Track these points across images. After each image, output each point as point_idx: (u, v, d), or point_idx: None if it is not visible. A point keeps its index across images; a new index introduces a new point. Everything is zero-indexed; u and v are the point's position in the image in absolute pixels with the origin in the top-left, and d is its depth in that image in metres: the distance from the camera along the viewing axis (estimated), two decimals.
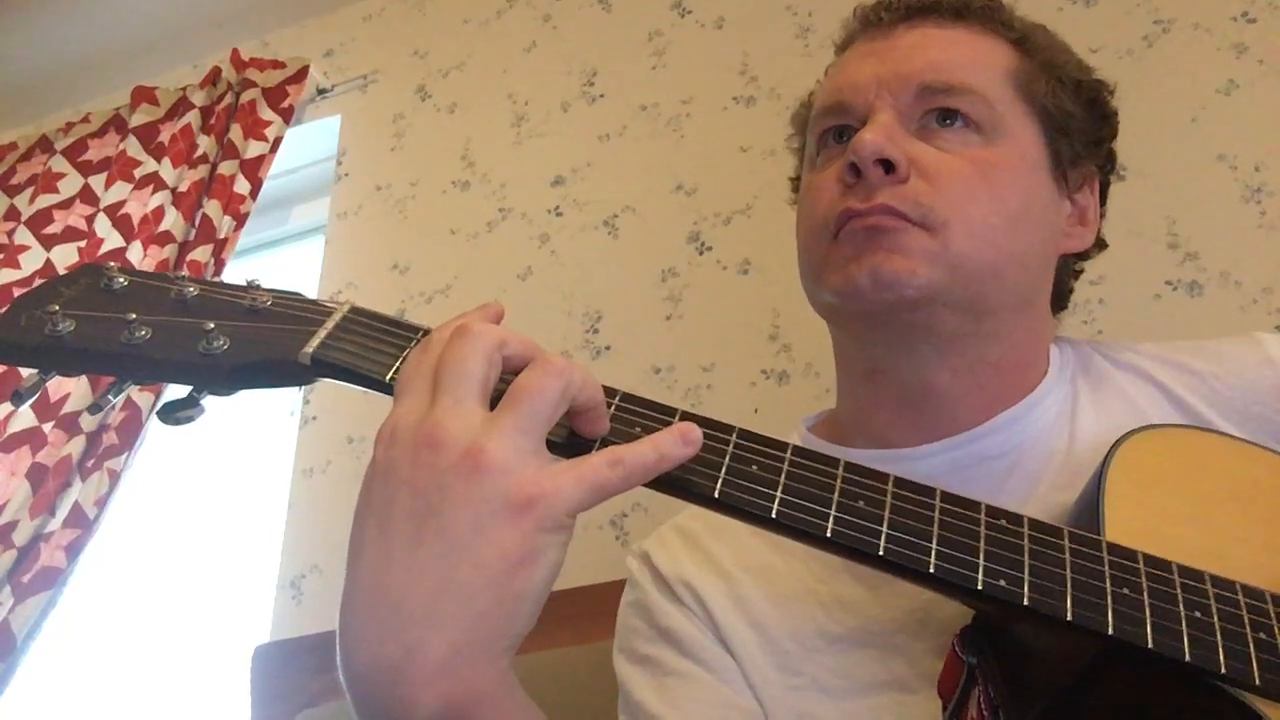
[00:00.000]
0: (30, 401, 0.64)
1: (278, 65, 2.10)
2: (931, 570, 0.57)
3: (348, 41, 2.24)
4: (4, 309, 0.65)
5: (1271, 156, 1.38)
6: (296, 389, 0.66)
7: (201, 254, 1.87)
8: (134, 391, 1.72)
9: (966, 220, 0.76)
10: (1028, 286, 0.82)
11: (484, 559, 0.51)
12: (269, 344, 0.63)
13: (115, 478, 1.71)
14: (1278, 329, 1.29)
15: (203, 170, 1.97)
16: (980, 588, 0.57)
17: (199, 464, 2.04)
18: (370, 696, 0.51)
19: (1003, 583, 0.57)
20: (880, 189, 0.77)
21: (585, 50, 1.95)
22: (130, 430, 1.73)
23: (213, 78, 2.11)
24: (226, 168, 1.96)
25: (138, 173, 2.02)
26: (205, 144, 1.99)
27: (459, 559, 0.51)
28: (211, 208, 1.92)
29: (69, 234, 2.01)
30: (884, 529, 0.58)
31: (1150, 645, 0.55)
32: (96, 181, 2.08)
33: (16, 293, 1.93)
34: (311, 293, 0.68)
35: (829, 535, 0.57)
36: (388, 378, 0.61)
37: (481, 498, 0.51)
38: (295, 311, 0.65)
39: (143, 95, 2.14)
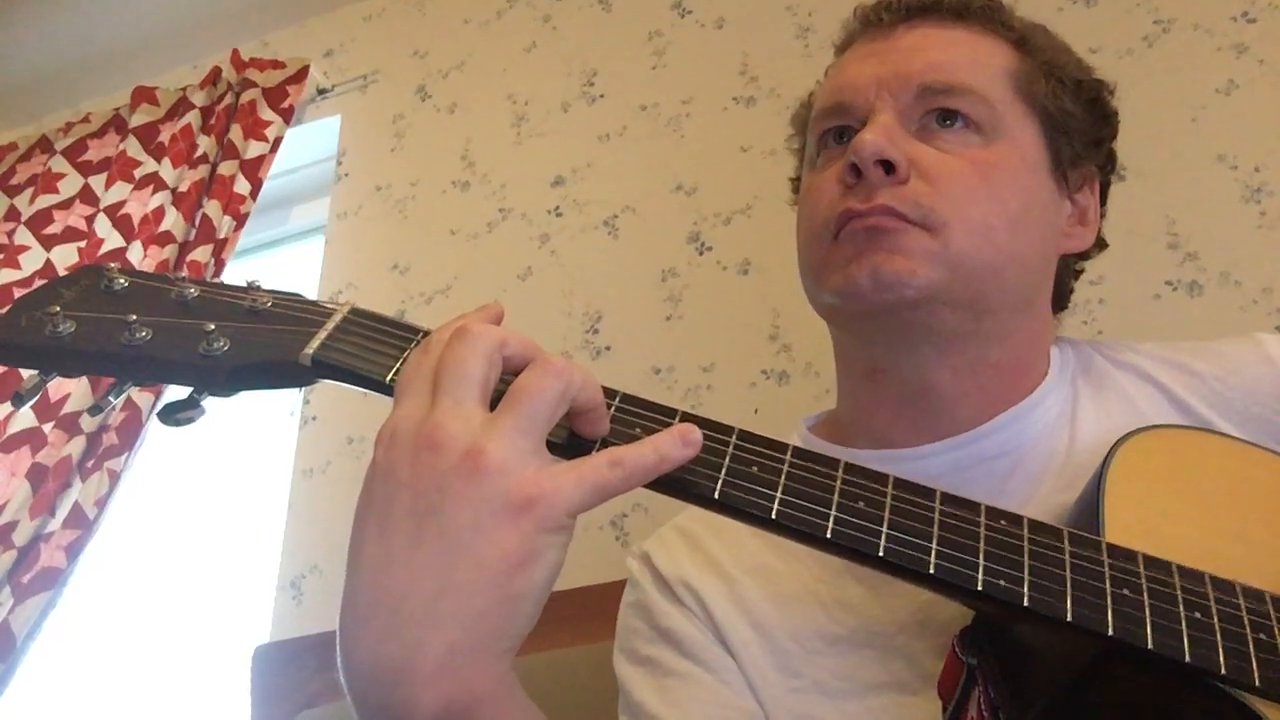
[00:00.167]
0: (31, 402, 0.64)
1: (278, 65, 2.10)
2: (931, 571, 0.57)
3: (348, 41, 2.24)
4: (4, 310, 0.65)
5: (1271, 156, 1.39)
6: (297, 390, 0.66)
7: (201, 254, 1.87)
8: (134, 392, 1.72)
9: (966, 221, 0.76)
10: (1028, 287, 0.82)
11: (484, 559, 0.51)
12: (269, 345, 0.63)
13: (115, 478, 1.71)
14: (1278, 329, 1.30)
15: (203, 170, 1.97)
16: (980, 588, 0.57)
17: (199, 464, 2.04)
18: (370, 696, 0.51)
19: (1002, 583, 0.57)
20: (880, 190, 0.77)
21: (585, 50, 1.95)
22: (130, 431, 1.73)
23: (213, 78, 2.11)
24: (226, 168, 1.96)
25: (138, 173, 2.02)
26: (205, 144, 1.99)
27: (459, 559, 0.51)
28: (211, 208, 1.92)
29: (69, 234, 2.01)
30: (884, 530, 0.58)
31: (1150, 646, 0.55)
32: (96, 182, 2.08)
33: (17, 293, 1.93)
34: (311, 293, 0.68)
35: (829, 536, 0.57)
36: (388, 379, 0.61)
37: (481, 498, 0.51)
38: (295, 313, 0.65)
39: (143, 95, 2.14)
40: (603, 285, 1.72)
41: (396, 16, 2.20)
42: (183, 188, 1.94)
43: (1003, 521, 0.60)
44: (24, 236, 2.03)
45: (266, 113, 2.03)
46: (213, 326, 0.62)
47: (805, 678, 0.75)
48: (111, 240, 1.91)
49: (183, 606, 1.93)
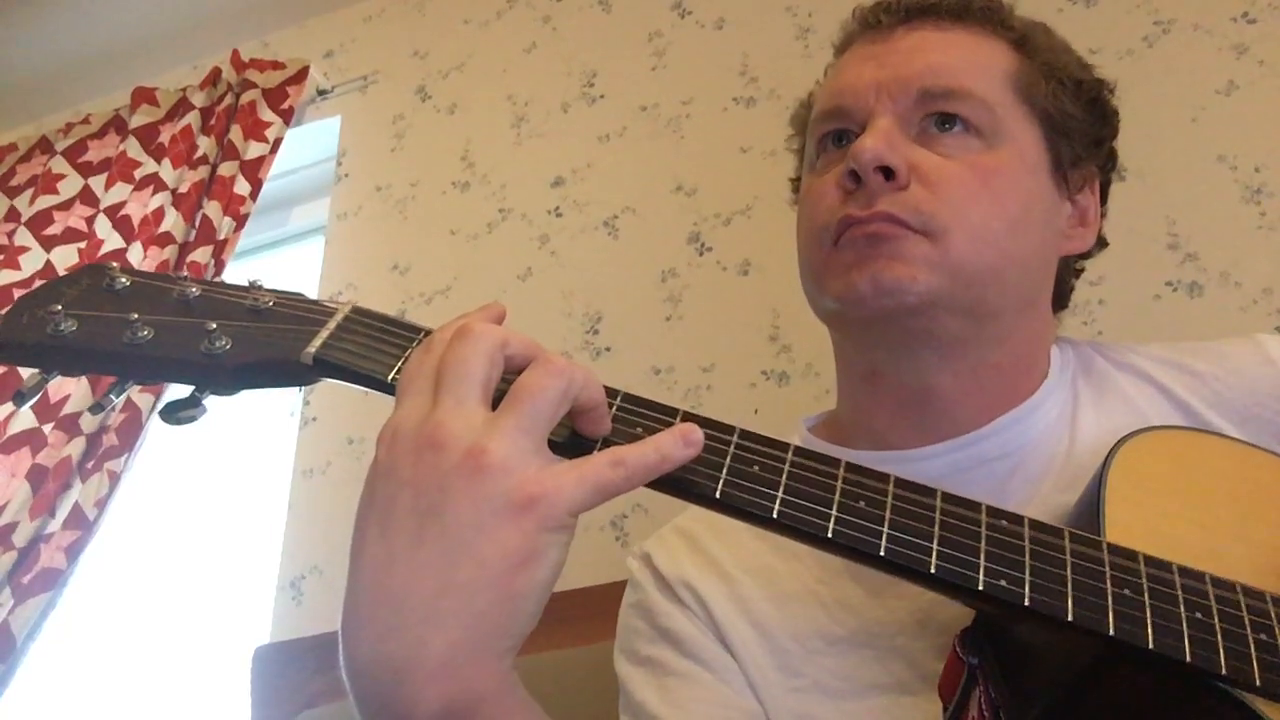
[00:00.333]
0: (32, 402, 0.64)
1: (278, 66, 2.10)
2: (932, 571, 0.57)
3: (348, 42, 2.24)
4: (6, 309, 0.65)
5: (1271, 157, 1.39)
6: (297, 389, 0.67)
7: (201, 255, 1.87)
8: (134, 393, 1.72)
9: (967, 226, 0.76)
10: (1029, 289, 0.82)
11: (486, 558, 0.51)
12: (271, 344, 0.63)
13: (115, 479, 1.71)
14: (1278, 330, 1.30)
15: (203, 171, 1.97)
16: (981, 588, 0.57)
17: (199, 465, 2.04)
18: (372, 694, 0.51)
19: (1003, 583, 0.57)
20: (880, 196, 0.76)
21: (585, 51, 1.95)
22: (130, 431, 1.73)
23: (213, 78, 2.11)
24: (226, 169, 1.96)
25: (138, 174, 2.02)
26: (205, 145, 1.99)
27: (461, 558, 0.51)
28: (211, 209, 1.92)
29: (69, 235, 2.01)
30: (885, 529, 0.58)
31: (1151, 646, 0.55)
32: (96, 182, 2.08)
33: (17, 294, 1.93)
34: (312, 294, 0.68)
35: (830, 536, 0.57)
36: (390, 378, 0.61)
37: (483, 497, 0.51)
38: (297, 312, 0.65)
39: (143, 96, 2.14)
40: (603, 286, 1.73)
41: (396, 17, 2.21)
42: (183, 188, 1.95)
43: (1004, 521, 0.60)
44: (24, 237, 2.03)
45: (266, 113, 2.03)
46: (215, 325, 0.62)
47: (805, 677, 0.75)
48: (111, 241, 1.92)
49: (183, 607, 1.93)
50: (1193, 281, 1.37)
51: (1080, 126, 0.85)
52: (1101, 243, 0.90)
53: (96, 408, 0.70)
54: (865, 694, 0.73)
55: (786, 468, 0.59)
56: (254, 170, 1.97)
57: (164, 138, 2.06)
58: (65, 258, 1.98)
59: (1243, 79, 1.44)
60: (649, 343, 1.64)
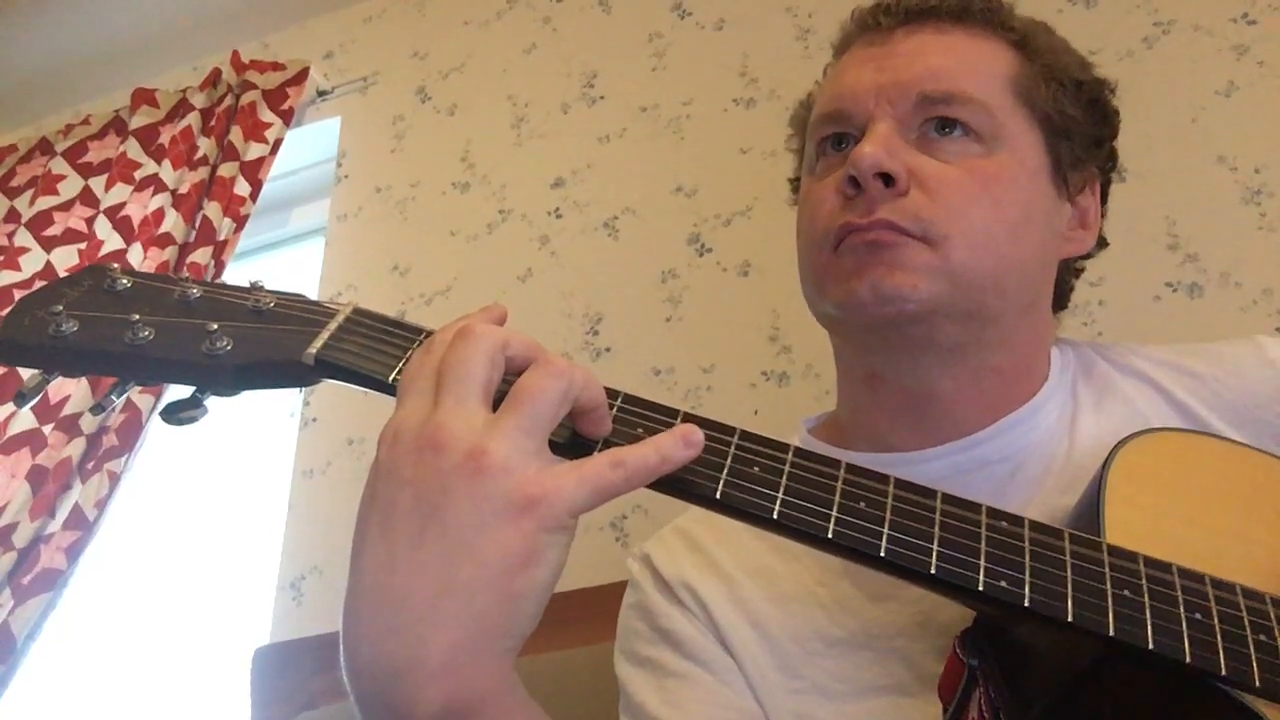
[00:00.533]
0: (33, 402, 0.64)
1: (278, 67, 2.10)
2: (933, 571, 0.57)
3: (348, 43, 2.24)
4: (7, 310, 0.65)
5: (1271, 157, 1.39)
6: (298, 390, 0.67)
7: (201, 256, 1.87)
8: (134, 393, 1.72)
9: (967, 233, 0.76)
10: (1030, 293, 0.82)
11: (486, 558, 0.51)
12: (272, 344, 0.63)
13: (115, 479, 1.71)
14: (1278, 330, 1.30)
15: (203, 172, 1.97)
16: (981, 589, 0.57)
17: (199, 466, 2.04)
18: (373, 694, 0.52)
19: (1004, 584, 0.57)
20: (880, 203, 0.76)
21: (585, 52, 1.95)
22: (130, 432, 1.73)
23: (213, 79, 2.11)
24: (226, 170, 1.96)
25: (138, 175, 2.02)
26: (205, 146, 1.99)
27: (461, 558, 0.51)
28: (211, 210, 1.92)
29: (69, 236, 2.01)
30: (885, 530, 0.58)
31: (1151, 646, 0.56)
32: (96, 183, 2.08)
33: (17, 295, 1.93)
34: (312, 294, 0.68)
35: (830, 536, 0.57)
36: (390, 378, 0.61)
37: (484, 498, 0.52)
38: (298, 312, 0.65)
39: (143, 97, 2.14)
40: (603, 287, 1.73)
41: (396, 18, 2.21)
42: (183, 189, 1.95)
43: (1004, 522, 0.60)
44: (24, 238, 2.03)
45: (266, 114, 2.03)
46: (216, 326, 0.63)
47: (805, 679, 0.75)
48: (112, 242, 1.92)
49: (183, 608, 1.93)
50: (1193, 282, 1.37)
51: (1081, 128, 0.84)
52: (1102, 243, 0.90)
53: (97, 408, 0.70)
54: (865, 695, 0.73)
55: (787, 468, 0.59)
56: (254, 171, 1.97)
57: (164, 139, 2.06)
58: (65, 259, 1.98)
59: (1243, 80, 1.44)
60: (649, 343, 1.64)
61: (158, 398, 1.75)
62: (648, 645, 0.81)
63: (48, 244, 2.02)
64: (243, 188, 1.95)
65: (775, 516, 0.58)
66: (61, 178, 2.11)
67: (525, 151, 1.92)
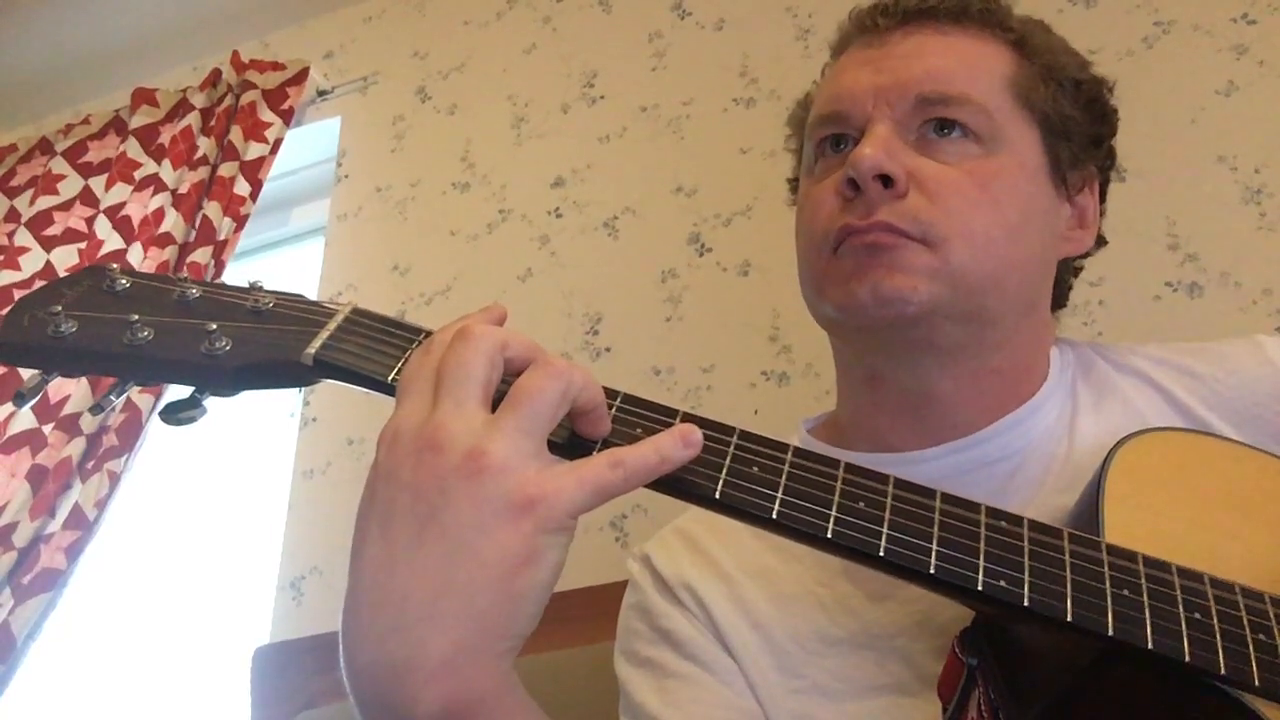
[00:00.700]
0: (32, 402, 0.64)
1: (278, 67, 2.10)
2: (932, 571, 0.57)
3: (348, 43, 2.24)
4: (6, 310, 0.65)
5: (1272, 157, 1.39)
6: (297, 390, 0.67)
7: (201, 255, 1.87)
8: (134, 393, 1.72)
9: (967, 234, 0.76)
10: (1029, 294, 0.82)
11: (486, 559, 0.51)
12: (272, 345, 0.63)
13: (115, 479, 1.71)
14: (1278, 330, 1.30)
15: (203, 172, 1.97)
16: (980, 588, 0.57)
17: (199, 466, 2.04)
18: (373, 695, 0.52)
19: (1003, 583, 0.57)
20: (879, 205, 0.76)
21: (585, 52, 1.95)
22: (130, 432, 1.73)
23: (213, 79, 2.11)
24: (226, 169, 1.96)
25: (138, 174, 2.02)
26: (205, 146, 1.99)
27: (461, 559, 0.51)
28: (211, 209, 1.92)
29: (69, 236, 2.01)
30: (884, 530, 0.58)
31: (1150, 646, 0.56)
32: (96, 183, 2.08)
33: (17, 295, 1.93)
34: (311, 295, 0.68)
35: (829, 536, 0.57)
36: (390, 378, 0.61)
37: (483, 499, 0.52)
38: (297, 313, 0.65)
39: (143, 97, 2.14)
40: (603, 286, 1.73)
41: (396, 18, 2.21)
42: (183, 189, 1.95)
43: (1003, 522, 0.60)
44: (24, 238, 2.03)
45: (266, 114, 2.03)
46: (215, 326, 0.63)
47: (805, 679, 0.75)
48: (111, 242, 1.92)
49: (183, 608, 1.93)
50: (1193, 282, 1.37)
51: (1079, 128, 0.84)
52: (1100, 241, 0.90)
53: (96, 408, 0.70)
54: (865, 695, 0.73)
55: (786, 468, 0.59)
56: (254, 171, 1.97)
57: (164, 138, 2.06)
58: (65, 258, 1.98)
59: (1243, 79, 1.44)
60: (649, 343, 1.64)
61: (157, 398, 1.75)
62: (648, 645, 0.81)
63: (48, 244, 2.02)
64: (243, 187, 1.96)
65: (774, 516, 0.58)
66: (61, 177, 2.11)
67: (525, 151, 1.92)
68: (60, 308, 0.63)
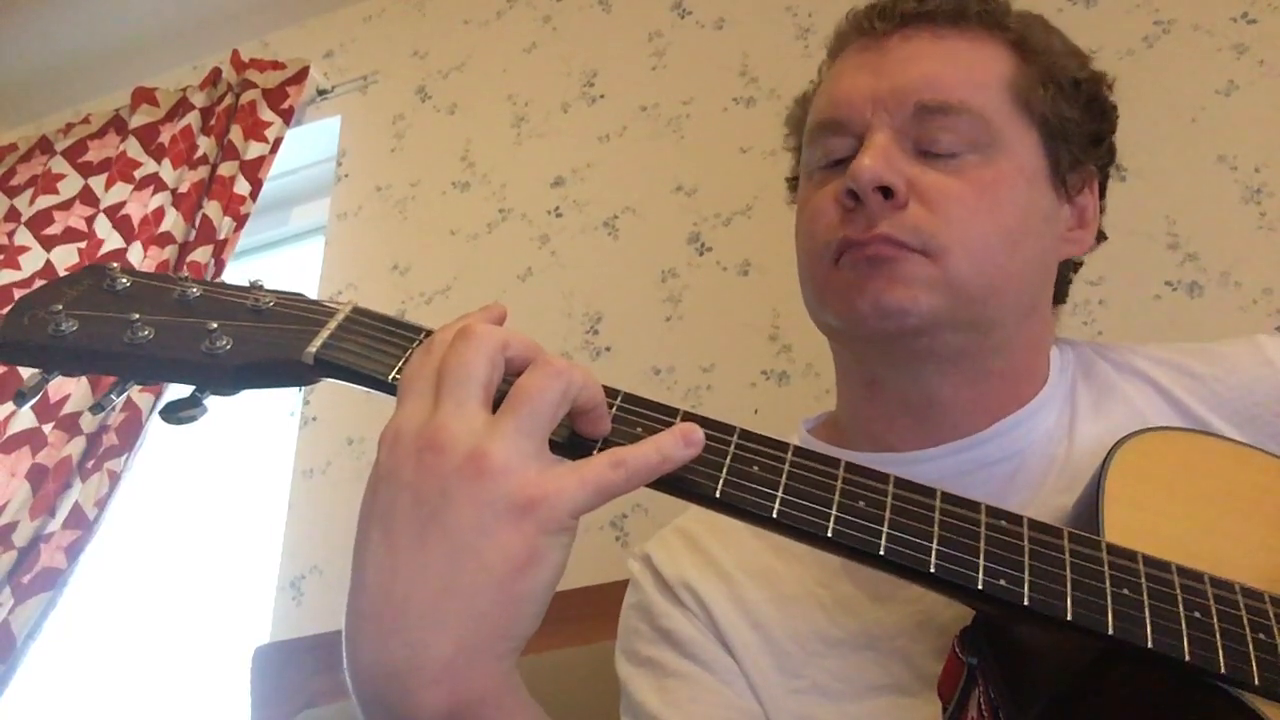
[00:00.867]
0: (32, 402, 0.64)
1: (278, 66, 2.10)
2: (932, 570, 0.57)
3: (348, 42, 2.24)
4: (6, 309, 0.65)
5: (1271, 157, 1.39)
6: (297, 389, 0.67)
7: (201, 255, 1.87)
8: (134, 392, 1.72)
9: (967, 244, 0.76)
10: (1029, 298, 0.82)
11: (487, 560, 0.51)
12: (272, 344, 0.63)
13: (115, 479, 1.71)
14: (1278, 330, 1.30)
15: (203, 171, 1.97)
16: (980, 588, 0.57)
17: (199, 465, 2.04)
18: (375, 696, 0.52)
19: (1003, 583, 0.57)
20: (880, 217, 0.76)
21: (585, 51, 1.95)
22: (130, 431, 1.73)
23: (213, 78, 2.11)
24: (226, 169, 1.96)
25: (138, 174, 2.02)
26: (205, 145, 1.99)
27: (463, 560, 0.51)
28: (211, 209, 1.92)
29: (69, 235, 2.01)
30: (884, 529, 0.58)
31: (1150, 645, 0.56)
32: (96, 182, 2.08)
33: (17, 294, 1.93)
34: (312, 294, 0.68)
35: (830, 535, 0.57)
36: (390, 377, 0.61)
37: (485, 500, 0.52)
38: (298, 312, 0.65)
39: (143, 96, 2.14)
40: (603, 286, 1.73)
41: (396, 17, 2.21)
42: (183, 188, 1.95)
43: (1003, 521, 0.60)
44: (24, 237, 2.03)
45: (266, 113, 2.03)
46: (215, 325, 0.62)
47: (805, 679, 0.75)
48: (111, 241, 1.92)
49: (183, 607, 1.93)
50: (1193, 281, 1.37)
51: (1079, 129, 0.84)
52: (1100, 236, 0.89)
53: (97, 408, 0.70)
54: (865, 695, 0.73)
55: (786, 467, 0.59)
56: (254, 170, 1.97)
57: (164, 138, 2.06)
58: (65, 258, 1.98)
59: (1243, 79, 1.44)
60: (649, 343, 1.64)
61: (157, 397, 1.75)
62: (648, 645, 0.81)
63: (48, 243, 2.02)
64: (243, 187, 1.95)
65: (775, 515, 0.58)
66: (61, 177, 2.11)
67: (525, 151, 1.92)
68: (61, 307, 0.62)
